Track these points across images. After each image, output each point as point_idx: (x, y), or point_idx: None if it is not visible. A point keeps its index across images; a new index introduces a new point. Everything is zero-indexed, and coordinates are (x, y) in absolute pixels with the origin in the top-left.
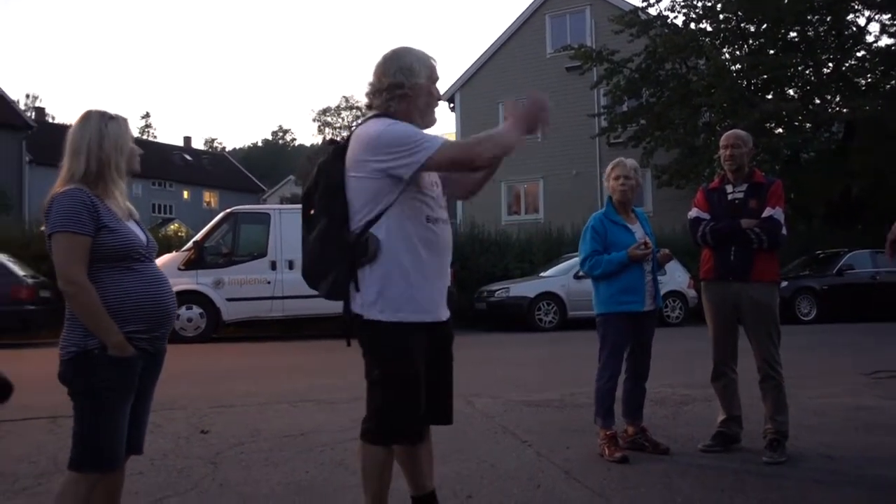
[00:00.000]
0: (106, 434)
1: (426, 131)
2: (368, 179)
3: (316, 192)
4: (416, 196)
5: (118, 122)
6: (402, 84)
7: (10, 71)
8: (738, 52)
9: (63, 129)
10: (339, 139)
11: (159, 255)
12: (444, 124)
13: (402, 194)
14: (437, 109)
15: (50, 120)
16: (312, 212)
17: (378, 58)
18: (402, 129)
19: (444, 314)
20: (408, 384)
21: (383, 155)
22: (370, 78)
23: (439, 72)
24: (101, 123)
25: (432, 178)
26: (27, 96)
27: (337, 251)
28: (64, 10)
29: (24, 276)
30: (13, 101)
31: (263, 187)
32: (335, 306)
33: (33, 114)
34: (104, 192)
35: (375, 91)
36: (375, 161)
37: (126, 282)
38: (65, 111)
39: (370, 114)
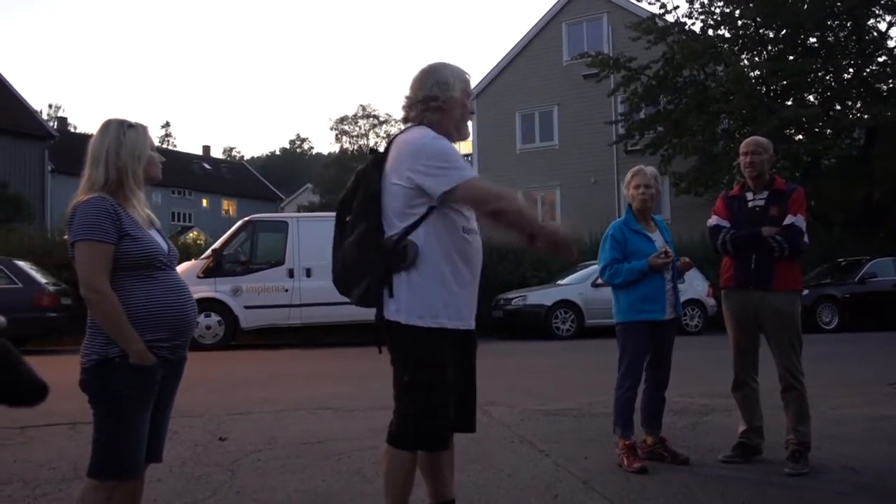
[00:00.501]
0: (126, 442)
1: (459, 144)
2: (404, 187)
3: (354, 199)
4: (453, 206)
5: (137, 130)
6: (436, 97)
7: (33, 81)
8: (756, 59)
9: (85, 138)
10: (377, 148)
11: (179, 263)
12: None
13: (440, 204)
14: (469, 123)
15: (72, 129)
16: (349, 218)
17: (413, 72)
18: (445, 146)
19: (472, 323)
20: (439, 390)
21: (420, 166)
22: (407, 92)
23: (476, 82)
24: (119, 132)
25: None
26: (50, 106)
27: (374, 256)
28: (86, 21)
29: (46, 283)
30: (36, 111)
31: (281, 195)
32: (353, 314)
33: (56, 123)
34: (124, 201)
35: (411, 104)
36: (411, 170)
37: (148, 290)
38: (87, 121)
39: (410, 124)
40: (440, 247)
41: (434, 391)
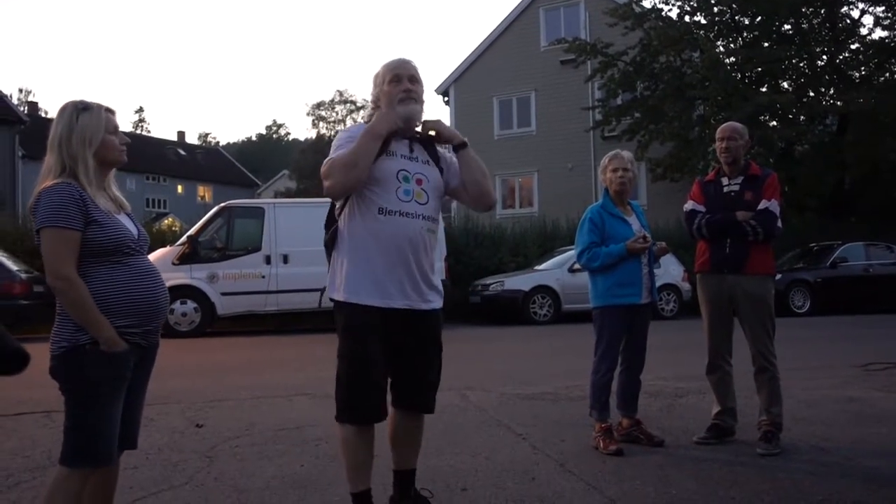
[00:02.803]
0: (98, 429)
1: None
2: None
3: None
4: (369, 188)
5: (91, 112)
6: (376, 96)
7: (2, 65)
8: (732, 45)
9: None
10: None
11: (153, 249)
12: (439, 118)
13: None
14: (405, 103)
15: (43, 115)
16: None
17: (392, 55)
18: (340, 137)
19: (407, 303)
20: (354, 363)
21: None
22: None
23: (408, 67)
24: (72, 117)
25: (399, 171)
26: (20, 91)
27: (329, 235)
28: (58, 4)
29: (18, 271)
30: (6, 96)
31: (258, 182)
32: (329, 301)
33: (26, 108)
34: (86, 186)
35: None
36: None
37: (117, 276)
38: (58, 106)
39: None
40: (355, 227)
41: (349, 363)
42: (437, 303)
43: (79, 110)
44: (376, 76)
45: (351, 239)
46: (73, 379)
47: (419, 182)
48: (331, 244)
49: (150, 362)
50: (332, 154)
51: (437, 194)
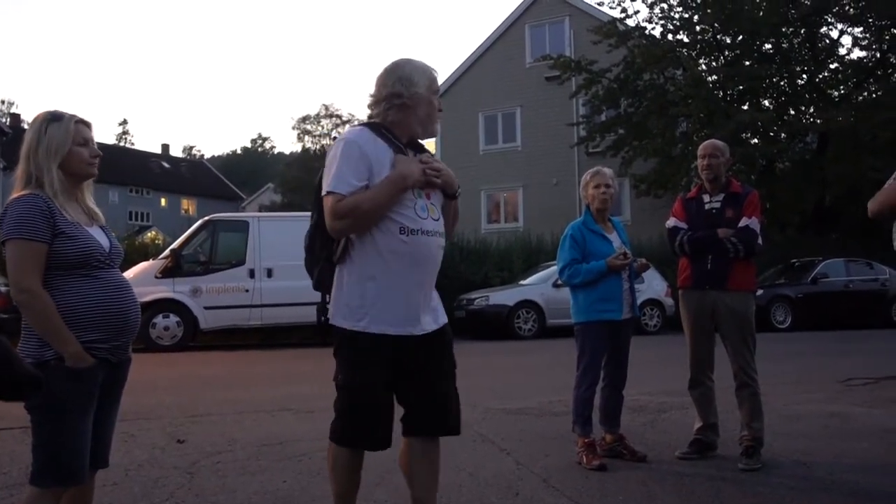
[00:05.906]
0: (66, 447)
1: (428, 142)
2: None
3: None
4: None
5: (61, 123)
6: (400, 94)
7: None
8: (714, 63)
9: None
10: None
11: (136, 263)
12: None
13: None
14: (438, 121)
15: (25, 126)
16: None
17: (378, 69)
18: (342, 150)
19: (423, 328)
20: (360, 393)
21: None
22: (371, 89)
23: (439, 83)
24: (41, 128)
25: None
26: (2, 102)
27: (320, 248)
28: (41, 15)
29: None
30: None
31: (242, 195)
32: (314, 315)
33: (8, 120)
34: (55, 198)
35: (375, 101)
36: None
37: (84, 289)
38: None
39: (362, 121)
40: (371, 247)
41: (356, 394)
42: (444, 315)
43: (48, 121)
44: (413, 73)
45: (366, 261)
46: (38, 396)
47: (428, 196)
48: (341, 257)
49: (121, 379)
50: (339, 164)
51: (441, 206)
